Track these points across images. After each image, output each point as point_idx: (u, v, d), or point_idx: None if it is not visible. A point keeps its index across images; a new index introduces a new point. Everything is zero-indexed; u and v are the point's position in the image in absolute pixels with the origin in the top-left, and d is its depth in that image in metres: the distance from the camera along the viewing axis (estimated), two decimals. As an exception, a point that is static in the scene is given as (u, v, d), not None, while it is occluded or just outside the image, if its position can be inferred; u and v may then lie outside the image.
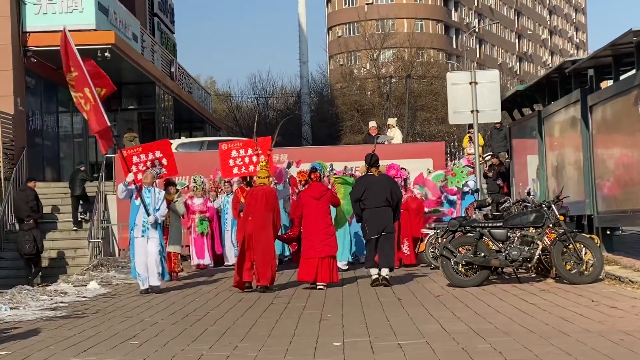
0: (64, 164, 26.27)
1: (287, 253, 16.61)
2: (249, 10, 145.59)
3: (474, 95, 17.29)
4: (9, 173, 20.90)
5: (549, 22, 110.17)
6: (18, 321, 10.34)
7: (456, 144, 47.93)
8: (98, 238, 19.12)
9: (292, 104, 54.71)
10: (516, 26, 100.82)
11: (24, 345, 8.43)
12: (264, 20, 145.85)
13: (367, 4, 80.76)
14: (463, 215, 15.04)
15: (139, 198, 12.89)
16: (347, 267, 15.15)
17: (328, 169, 16.48)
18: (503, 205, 14.61)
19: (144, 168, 13.88)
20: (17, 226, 19.94)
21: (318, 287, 12.36)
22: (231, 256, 17.00)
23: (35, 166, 22.35)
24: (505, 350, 7.02)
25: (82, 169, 21.26)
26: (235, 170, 15.38)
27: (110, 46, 22.31)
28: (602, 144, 14.37)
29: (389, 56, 61.34)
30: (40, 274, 18.90)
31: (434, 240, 14.44)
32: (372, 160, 12.93)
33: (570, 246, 11.77)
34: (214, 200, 17.51)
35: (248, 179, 14.90)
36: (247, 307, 10.79)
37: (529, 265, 12.05)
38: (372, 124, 24.17)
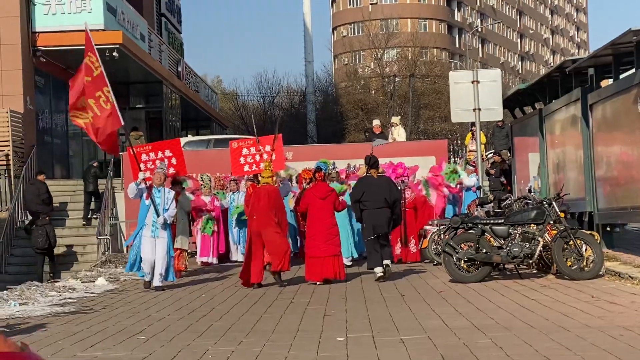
0: (73, 162, 26.47)
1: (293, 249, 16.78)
2: (254, 10, 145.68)
3: (476, 94, 17.46)
4: (18, 171, 21.11)
5: (550, 22, 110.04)
6: (27, 317, 10.37)
7: (459, 141, 48.03)
8: (106, 235, 19.29)
9: (298, 103, 54.86)
10: (518, 26, 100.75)
11: (33, 340, 8.45)
12: (269, 20, 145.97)
13: (371, 4, 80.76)
14: (465, 212, 15.19)
15: (149, 198, 12.92)
16: (351, 262, 15.30)
17: (331, 167, 16.66)
18: (505, 203, 14.79)
19: (152, 166, 13.93)
20: (26, 222, 20.18)
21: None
22: (235, 252, 17.22)
23: (44, 164, 22.55)
24: (505, 346, 7.03)
25: (95, 164, 21.44)
26: (246, 168, 15.51)
27: (118, 46, 22.49)
28: (602, 142, 14.49)
29: (393, 55, 61.46)
30: (55, 269, 19.11)
31: (436, 236, 14.55)
32: (371, 162, 13.10)
33: (571, 242, 11.86)
34: (223, 199, 17.68)
35: (259, 176, 15.04)
36: (252, 303, 10.83)
37: (530, 261, 12.15)
38: (376, 122, 24.35)
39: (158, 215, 12.85)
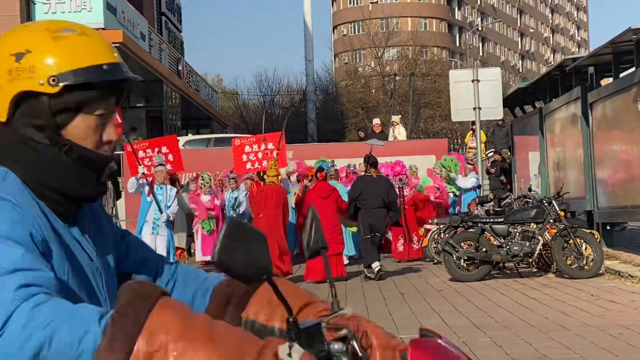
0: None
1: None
2: (255, 9, 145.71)
3: (476, 93, 17.48)
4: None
5: (551, 21, 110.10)
6: None
7: (459, 140, 48.06)
8: (106, 234, 19.30)
9: (298, 102, 54.83)
10: (519, 24, 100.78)
11: None
12: (270, 19, 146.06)
13: (371, 2, 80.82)
14: (465, 211, 15.21)
15: (150, 195, 12.88)
16: (347, 261, 15.33)
17: (330, 165, 16.69)
18: (505, 201, 14.81)
19: (149, 163, 13.94)
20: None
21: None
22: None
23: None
24: (505, 344, 7.07)
25: None
26: (248, 166, 15.54)
27: (118, 45, 22.50)
28: (602, 140, 14.51)
29: (393, 54, 61.51)
30: None
31: (436, 235, 14.60)
32: (370, 161, 13.17)
33: (571, 241, 11.90)
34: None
35: (262, 174, 15.06)
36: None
37: (530, 260, 12.20)
38: (376, 121, 24.42)
39: (161, 212, 12.80)
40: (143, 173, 13.03)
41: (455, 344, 1.60)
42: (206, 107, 36.87)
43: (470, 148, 23.78)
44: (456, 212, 15.16)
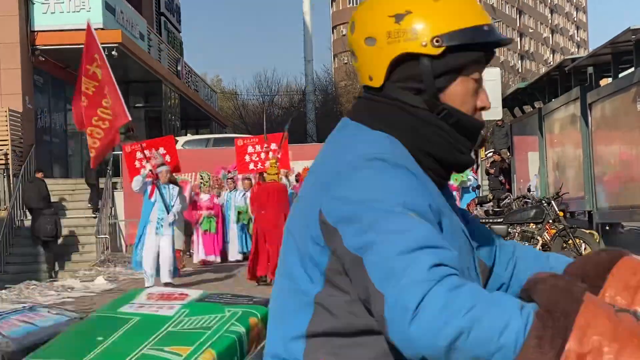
0: (72, 161, 26.49)
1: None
2: (254, 9, 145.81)
3: (475, 93, 17.51)
4: (17, 170, 21.13)
5: (550, 21, 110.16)
6: None
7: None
8: (105, 234, 19.33)
9: (297, 102, 54.87)
10: (518, 25, 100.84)
11: None
12: (269, 19, 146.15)
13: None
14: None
15: (153, 195, 12.75)
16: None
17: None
18: (504, 202, 14.82)
19: (146, 163, 13.90)
20: (25, 221, 20.25)
21: None
22: (234, 252, 17.21)
23: (43, 163, 22.56)
24: None
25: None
26: (251, 166, 15.54)
27: (117, 45, 22.51)
28: (601, 140, 14.51)
29: (393, 54, 61.60)
30: (57, 258, 19.26)
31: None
32: None
33: (570, 242, 11.91)
34: (219, 196, 17.70)
35: (264, 175, 15.05)
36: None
37: (529, 260, 12.22)
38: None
39: (168, 212, 12.70)
40: (150, 170, 12.93)
41: None
42: (205, 107, 36.88)
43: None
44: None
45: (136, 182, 12.92)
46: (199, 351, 2.33)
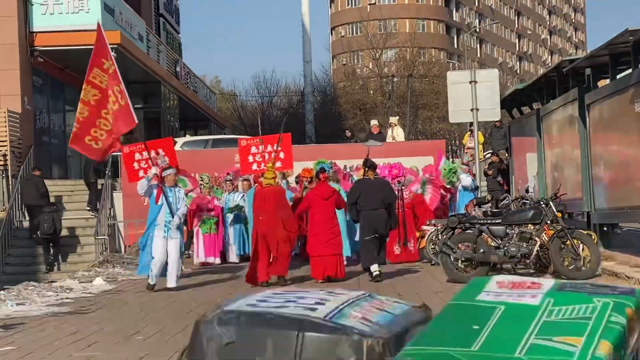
0: (71, 162, 26.48)
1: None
2: (253, 10, 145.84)
3: (474, 94, 17.52)
4: (16, 171, 21.13)
5: (548, 22, 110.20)
6: (24, 317, 10.32)
7: (457, 142, 48.10)
8: (104, 235, 19.33)
9: (296, 103, 54.86)
10: (516, 26, 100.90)
11: (29, 340, 8.47)
12: (268, 20, 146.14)
13: (369, 4, 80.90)
14: (463, 212, 15.23)
15: (159, 199, 12.61)
16: (345, 262, 15.33)
17: (331, 166, 16.76)
18: (502, 203, 14.83)
19: (146, 166, 13.80)
20: (24, 221, 20.24)
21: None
22: (233, 253, 17.20)
23: (42, 164, 22.55)
24: None
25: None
26: (254, 167, 15.53)
27: (116, 46, 22.45)
28: (599, 141, 14.53)
29: (391, 56, 61.57)
30: (59, 257, 19.22)
31: (434, 236, 14.61)
32: (368, 164, 13.24)
33: (568, 242, 11.93)
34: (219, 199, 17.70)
35: (261, 179, 15.01)
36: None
37: (527, 261, 12.20)
38: (374, 122, 24.46)
39: (173, 216, 12.60)
40: (155, 174, 12.86)
41: None
42: (204, 108, 36.89)
43: (468, 149, 23.81)
44: (454, 214, 15.18)
45: (141, 186, 12.81)
46: (592, 342, 2.26)
